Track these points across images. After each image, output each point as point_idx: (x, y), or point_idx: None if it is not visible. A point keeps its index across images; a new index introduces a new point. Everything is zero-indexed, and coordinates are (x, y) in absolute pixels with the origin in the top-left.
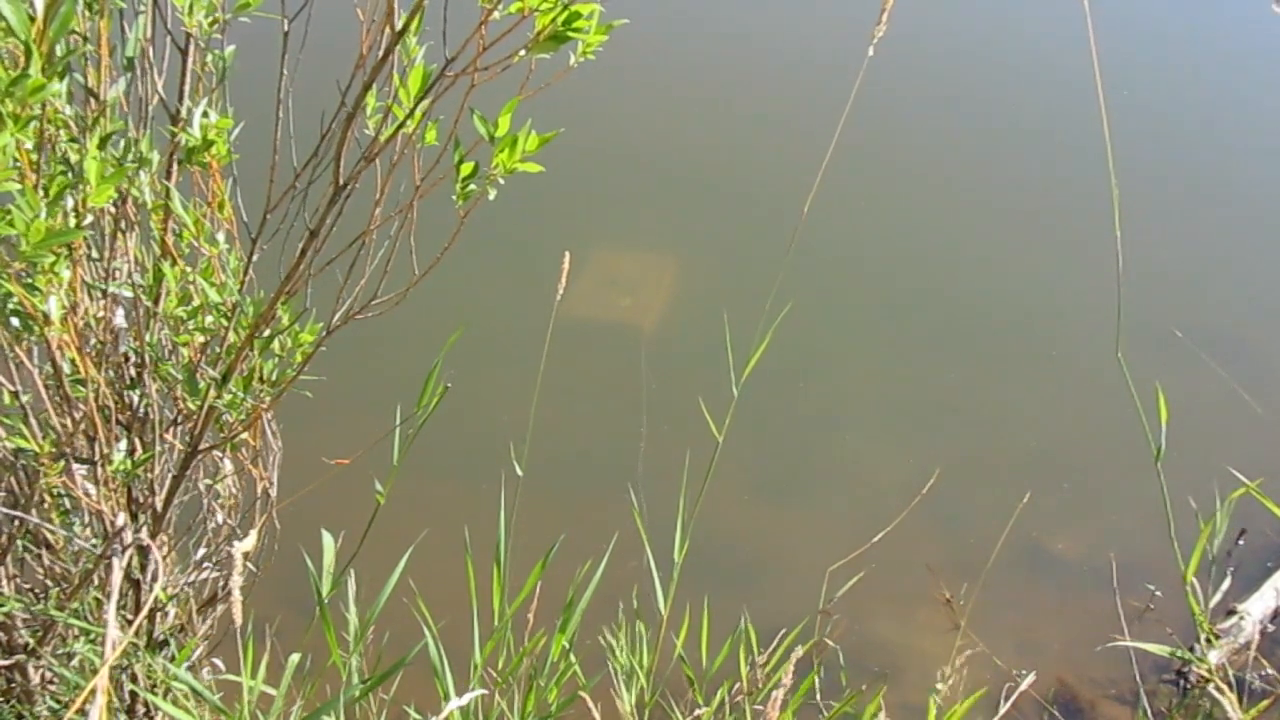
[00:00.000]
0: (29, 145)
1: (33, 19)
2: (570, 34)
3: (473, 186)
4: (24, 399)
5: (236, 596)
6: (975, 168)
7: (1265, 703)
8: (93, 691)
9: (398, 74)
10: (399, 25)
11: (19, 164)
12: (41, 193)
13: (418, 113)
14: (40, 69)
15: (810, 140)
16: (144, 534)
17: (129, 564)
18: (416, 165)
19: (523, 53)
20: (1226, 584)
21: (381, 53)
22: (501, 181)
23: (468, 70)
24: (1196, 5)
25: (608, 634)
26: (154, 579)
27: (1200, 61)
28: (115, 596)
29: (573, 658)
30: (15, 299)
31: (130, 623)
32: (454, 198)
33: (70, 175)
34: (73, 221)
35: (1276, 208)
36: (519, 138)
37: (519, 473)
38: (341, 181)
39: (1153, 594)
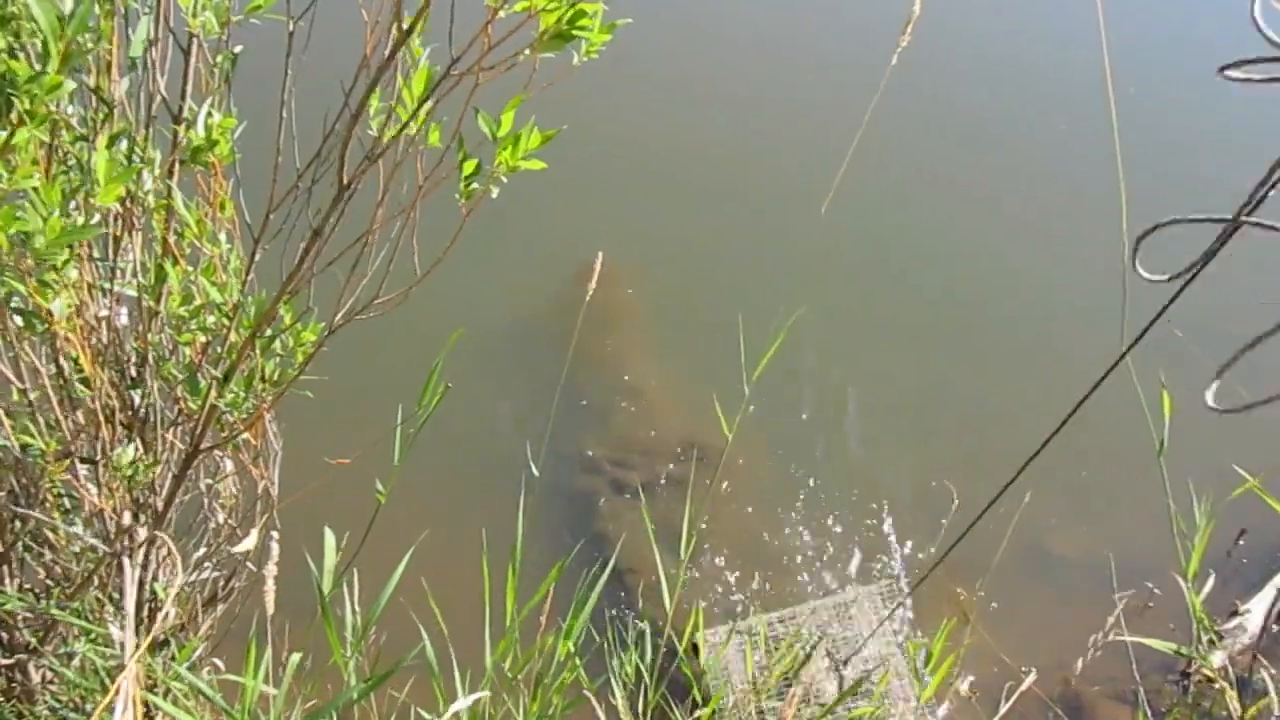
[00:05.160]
0: (43, 140)
1: (60, 19)
2: (575, 33)
3: (475, 185)
4: (32, 395)
5: (270, 586)
6: (979, 169)
7: (1265, 700)
8: (115, 691)
9: (402, 75)
10: (405, 25)
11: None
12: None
13: (420, 114)
14: (58, 67)
15: (813, 143)
16: (144, 532)
17: (135, 565)
18: (419, 166)
19: (527, 52)
20: (1210, 582)
21: (388, 52)
22: (504, 179)
23: (472, 70)
24: (1198, 4)
25: (612, 631)
26: (155, 578)
27: (1200, 60)
28: (132, 596)
29: (578, 660)
30: (19, 297)
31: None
32: (457, 196)
33: (75, 175)
34: (80, 220)
35: (1277, 207)
36: (521, 136)
37: (535, 472)
38: (345, 181)
39: (1152, 592)
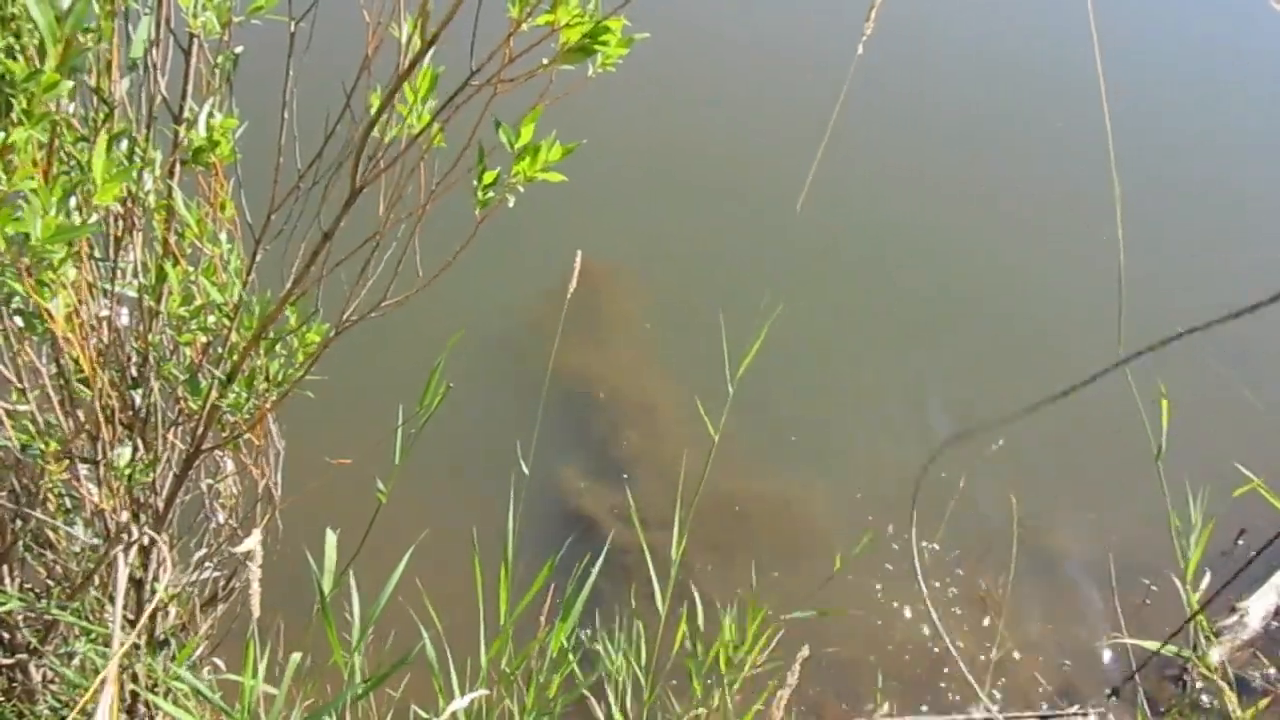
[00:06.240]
0: (42, 141)
1: (57, 17)
2: (596, 46)
3: (491, 194)
4: (31, 395)
5: (255, 589)
6: (976, 166)
7: (1265, 700)
8: (100, 685)
9: (408, 83)
10: (414, 34)
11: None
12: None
13: (425, 114)
14: (55, 66)
15: (813, 141)
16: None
17: (131, 563)
18: (422, 171)
19: (545, 62)
20: (1207, 578)
21: (408, 63)
22: (521, 190)
23: (491, 81)
24: (1196, 2)
25: (608, 629)
26: (155, 578)
27: (1200, 59)
28: (122, 592)
29: (571, 657)
30: (19, 298)
31: (132, 622)
32: (474, 205)
33: (75, 174)
34: (77, 220)
35: (1276, 205)
36: (541, 148)
37: (525, 471)
38: (359, 185)
39: (1149, 589)
